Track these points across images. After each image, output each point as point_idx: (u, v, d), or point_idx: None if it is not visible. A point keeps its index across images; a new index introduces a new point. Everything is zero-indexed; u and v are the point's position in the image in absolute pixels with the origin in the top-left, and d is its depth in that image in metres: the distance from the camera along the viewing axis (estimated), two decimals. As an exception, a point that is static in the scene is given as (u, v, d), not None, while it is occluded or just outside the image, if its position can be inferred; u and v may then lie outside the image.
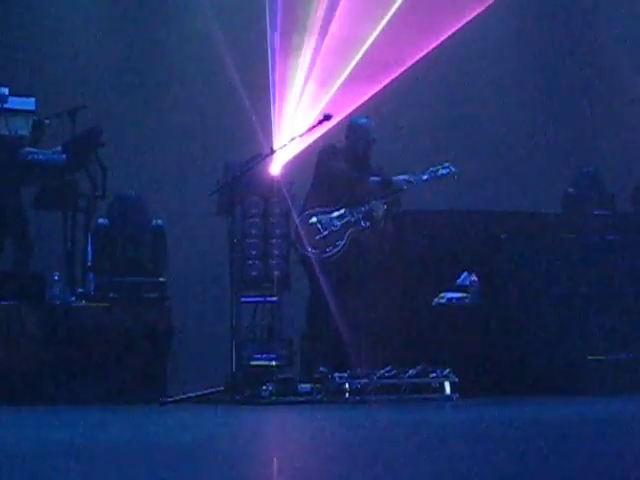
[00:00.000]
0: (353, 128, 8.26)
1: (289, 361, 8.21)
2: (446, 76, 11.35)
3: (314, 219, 8.06)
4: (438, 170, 8.27)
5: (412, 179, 8.18)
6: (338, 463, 4.07)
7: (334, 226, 8.04)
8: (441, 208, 9.00)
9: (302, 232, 8.04)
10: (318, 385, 7.52)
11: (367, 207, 8.11)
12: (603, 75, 11.61)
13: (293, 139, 8.57)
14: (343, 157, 8.19)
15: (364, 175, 8.13)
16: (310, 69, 10.19)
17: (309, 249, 7.99)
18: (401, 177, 8.18)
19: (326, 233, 8.03)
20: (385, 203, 8.19)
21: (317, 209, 8.10)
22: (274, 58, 10.19)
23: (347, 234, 8.04)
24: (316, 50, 10.22)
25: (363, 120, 8.28)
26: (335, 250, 8.00)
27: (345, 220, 8.07)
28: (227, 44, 10.10)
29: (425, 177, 8.24)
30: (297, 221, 8.11)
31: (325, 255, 7.98)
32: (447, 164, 8.31)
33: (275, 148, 8.56)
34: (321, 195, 8.12)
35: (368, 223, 8.10)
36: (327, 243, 8.01)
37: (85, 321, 7.88)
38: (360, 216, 8.09)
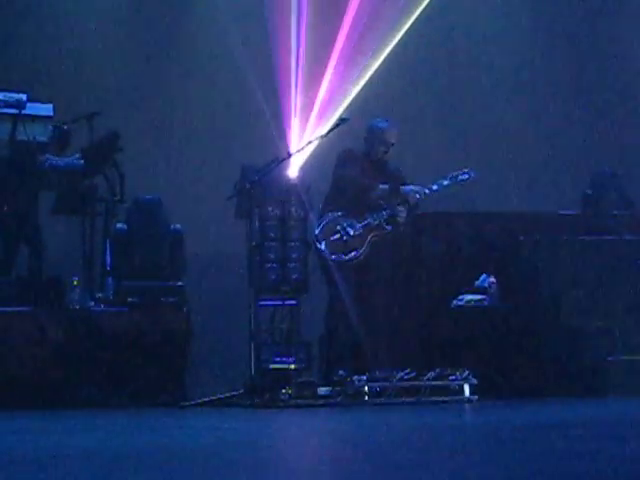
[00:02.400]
0: (372, 131, 8.24)
1: (308, 364, 8.21)
2: (464, 79, 11.34)
3: (335, 222, 8.04)
4: (458, 176, 8.26)
5: (421, 191, 8.11)
6: (358, 466, 4.06)
7: (355, 229, 8.03)
8: (459, 210, 8.99)
9: (322, 236, 8.03)
10: (337, 388, 7.52)
11: (390, 211, 8.09)
12: (623, 75, 11.57)
13: (310, 142, 8.57)
14: (360, 161, 8.17)
15: (374, 182, 8.10)
16: (330, 71, 10.20)
17: (330, 253, 7.97)
18: (409, 187, 8.13)
19: (347, 237, 8.01)
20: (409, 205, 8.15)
21: (337, 212, 8.09)
22: (293, 61, 10.20)
23: (369, 238, 8.02)
24: (337, 51, 10.23)
25: (383, 124, 8.26)
26: (356, 254, 7.98)
27: (366, 223, 8.05)
28: (244, 48, 10.11)
29: (446, 182, 8.22)
30: (317, 224, 8.09)
31: (346, 259, 7.97)
32: (467, 170, 8.30)
33: (292, 152, 8.56)
34: (337, 200, 8.12)
35: (390, 227, 8.08)
36: (348, 247, 7.99)
37: (104, 325, 7.90)
38: (382, 220, 8.07)
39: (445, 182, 8.22)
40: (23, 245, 8.32)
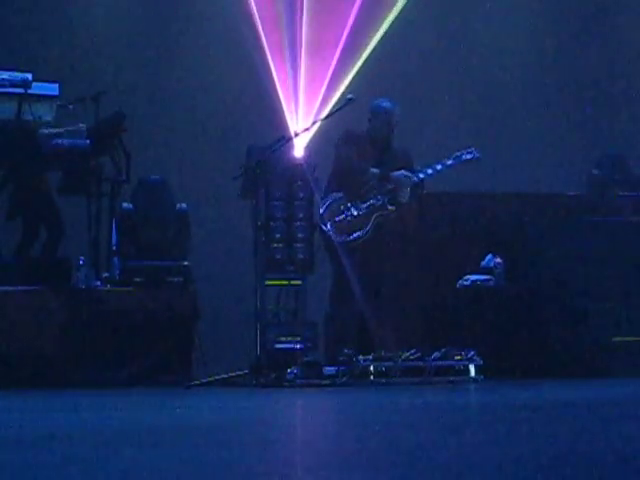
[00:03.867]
0: (376, 112, 8.21)
1: (313, 344, 8.23)
2: (469, 60, 11.31)
3: (339, 203, 8.03)
4: (462, 155, 8.23)
5: (410, 178, 8.07)
6: (363, 445, 4.08)
7: (360, 210, 8.01)
8: (465, 190, 8.98)
9: (327, 216, 8.02)
10: (343, 368, 7.52)
11: (393, 191, 8.05)
12: (629, 58, 11.54)
13: (316, 122, 8.55)
14: (361, 142, 8.13)
15: (366, 166, 8.04)
16: (335, 51, 10.19)
17: (335, 233, 7.96)
18: (400, 172, 8.06)
19: (351, 217, 7.99)
20: (409, 187, 8.13)
21: (340, 193, 8.07)
22: (299, 40, 10.18)
23: (373, 218, 8.00)
24: (340, 32, 10.22)
25: (386, 104, 8.23)
26: (361, 233, 7.97)
27: (370, 203, 8.03)
28: (250, 27, 10.09)
29: (450, 162, 8.19)
30: (321, 205, 8.09)
31: (351, 239, 7.96)
32: (471, 149, 8.27)
33: (298, 131, 8.55)
34: (340, 180, 8.10)
35: (394, 207, 8.06)
36: (353, 227, 7.98)
37: (110, 305, 7.92)
38: (386, 199, 8.05)
39: (449, 162, 8.19)
40: (42, 226, 8.34)
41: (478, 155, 8.26)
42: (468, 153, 8.25)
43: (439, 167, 8.15)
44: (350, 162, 8.03)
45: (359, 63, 10.36)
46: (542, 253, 8.35)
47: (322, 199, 8.12)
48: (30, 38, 10.16)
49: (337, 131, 8.37)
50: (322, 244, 8.17)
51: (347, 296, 7.94)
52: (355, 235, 7.97)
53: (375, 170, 8.04)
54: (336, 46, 10.25)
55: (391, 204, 8.04)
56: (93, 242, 8.20)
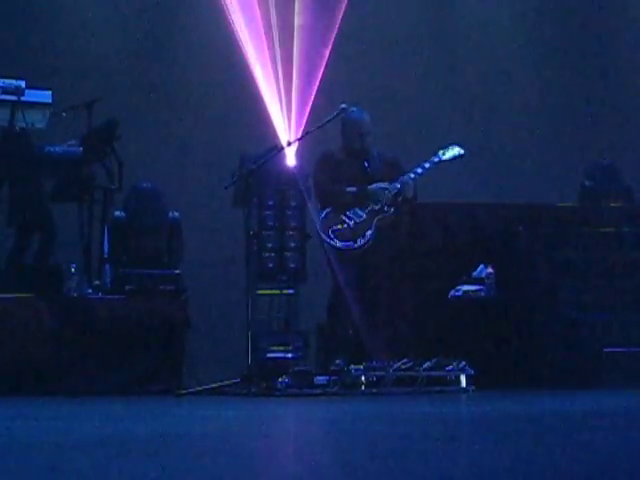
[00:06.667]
0: (345, 123, 8.07)
1: (305, 353, 8.22)
2: (461, 67, 11.34)
3: (338, 212, 7.95)
4: (445, 153, 8.13)
5: (389, 187, 8.00)
6: (354, 456, 4.07)
7: (359, 217, 7.93)
8: (457, 200, 8.99)
9: (328, 225, 7.90)
10: (334, 377, 7.52)
11: (393, 190, 7.94)
12: (621, 66, 11.56)
13: (309, 131, 8.55)
14: (339, 160, 8.05)
15: (341, 187, 7.96)
16: (328, 60, 10.20)
17: (338, 242, 7.87)
18: (377, 185, 7.99)
19: (353, 224, 7.90)
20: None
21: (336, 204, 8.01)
22: (292, 49, 10.20)
23: (374, 222, 7.91)
24: (335, 40, 10.24)
25: (354, 114, 8.08)
26: (364, 240, 7.88)
27: (370, 208, 7.94)
28: (244, 36, 10.10)
29: (437, 159, 8.09)
30: (320, 215, 7.99)
31: (356, 246, 7.87)
32: (451, 145, 8.16)
33: (291, 140, 8.55)
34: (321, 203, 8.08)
35: (393, 209, 7.97)
36: (356, 234, 7.88)
37: (101, 313, 7.91)
38: (385, 202, 7.95)
39: (436, 159, 8.05)
40: (36, 233, 8.32)
41: (462, 152, 8.18)
42: (450, 149, 8.14)
43: (427, 165, 8.07)
44: (325, 189, 7.97)
45: (349, 70, 10.38)
46: (533, 263, 8.37)
47: (319, 210, 8.02)
48: (23, 45, 10.16)
49: (331, 141, 8.35)
50: (325, 256, 8.01)
51: (345, 307, 7.89)
52: (360, 242, 7.86)
53: (352, 189, 7.95)
54: (327, 53, 10.27)
55: (390, 206, 7.95)
56: (85, 250, 8.19)
